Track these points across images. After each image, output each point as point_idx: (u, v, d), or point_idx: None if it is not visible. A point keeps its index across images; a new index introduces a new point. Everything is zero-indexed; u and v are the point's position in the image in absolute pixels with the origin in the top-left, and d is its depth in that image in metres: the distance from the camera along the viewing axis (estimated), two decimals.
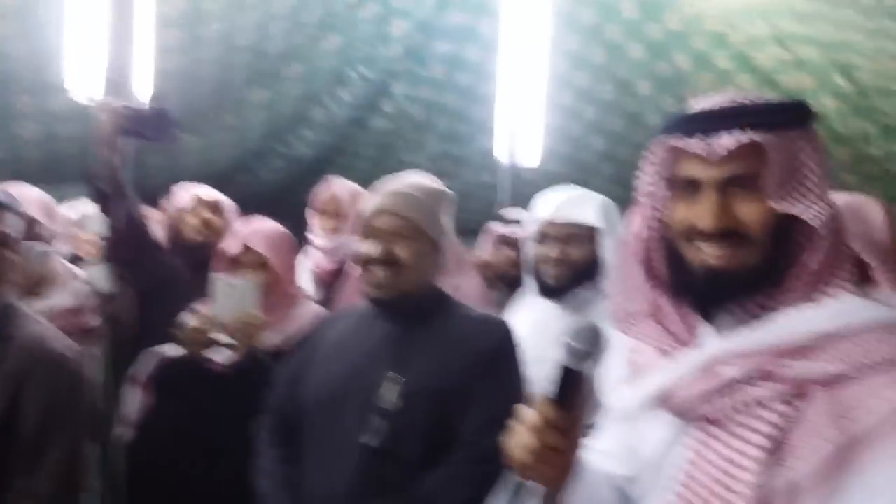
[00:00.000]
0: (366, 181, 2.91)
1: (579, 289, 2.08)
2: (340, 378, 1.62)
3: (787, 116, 0.99)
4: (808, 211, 0.98)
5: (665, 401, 1.04)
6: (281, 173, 5.32)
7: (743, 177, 0.99)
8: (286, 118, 5.06)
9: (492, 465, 1.53)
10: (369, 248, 1.64)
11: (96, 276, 2.62)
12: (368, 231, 1.65)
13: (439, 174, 2.82)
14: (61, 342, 1.71)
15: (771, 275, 1.00)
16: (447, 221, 1.70)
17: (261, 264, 2.26)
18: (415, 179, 1.70)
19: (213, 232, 2.82)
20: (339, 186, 3.01)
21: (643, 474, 1.11)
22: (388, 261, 1.61)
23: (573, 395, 1.01)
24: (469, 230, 3.15)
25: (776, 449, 0.94)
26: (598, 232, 2.06)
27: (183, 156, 4.93)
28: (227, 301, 2.17)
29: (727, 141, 0.98)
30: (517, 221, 3.00)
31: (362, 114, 5.29)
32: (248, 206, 2.90)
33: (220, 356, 2.15)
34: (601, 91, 4.68)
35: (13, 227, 1.67)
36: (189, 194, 2.92)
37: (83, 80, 2.53)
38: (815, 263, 0.99)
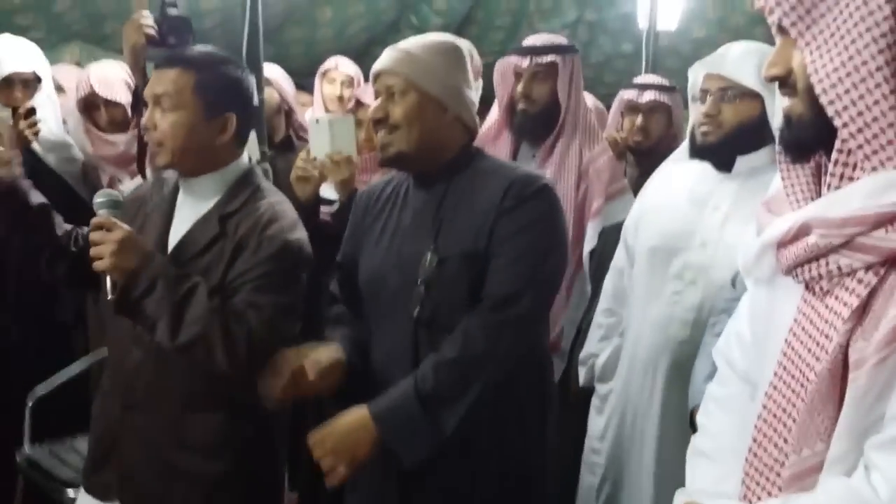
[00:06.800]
0: (499, 52, 2.85)
1: (742, 155, 1.85)
2: (385, 256, 1.63)
3: None
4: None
5: (777, 260, 1.00)
6: None
7: None
8: None
9: (504, 314, 1.52)
10: (370, 110, 1.64)
11: None
12: (375, 94, 1.65)
13: (576, 43, 2.66)
14: None
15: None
16: (460, 79, 1.62)
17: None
18: (422, 38, 1.65)
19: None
20: None
21: (768, 342, 1.08)
22: (383, 120, 1.59)
23: None
24: (610, 104, 3.04)
25: (861, 319, 0.89)
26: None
27: (320, 28, 4.98)
28: (319, 139, 2.24)
29: None
30: (646, 86, 2.85)
31: None
32: None
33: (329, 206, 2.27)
34: None
35: None
36: None
37: None
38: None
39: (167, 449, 1.60)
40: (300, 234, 1.61)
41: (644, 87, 2.82)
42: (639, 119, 2.79)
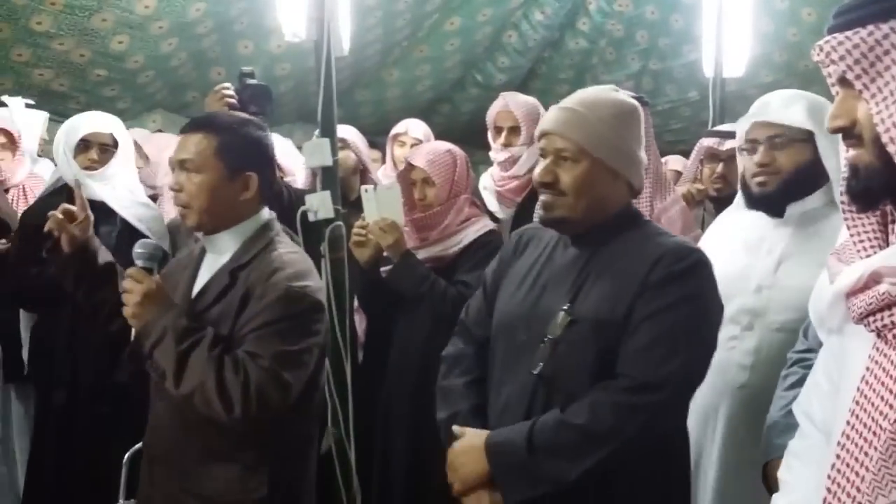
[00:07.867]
0: None
1: (797, 201, 1.84)
2: (521, 305, 1.59)
3: None
4: None
5: (847, 309, 0.99)
6: (479, 102, 5.38)
7: None
8: (480, 44, 5.07)
9: (639, 399, 1.43)
10: (537, 169, 1.57)
11: None
12: (540, 151, 1.58)
13: (641, 93, 2.68)
14: None
15: None
16: (633, 142, 1.55)
17: (424, 180, 2.48)
18: (594, 95, 1.57)
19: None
20: (511, 100, 2.88)
21: (841, 391, 1.05)
22: (551, 184, 1.53)
23: None
24: (676, 151, 3.03)
25: None
26: (814, 135, 1.79)
27: (387, 89, 5.12)
28: (368, 207, 2.42)
29: None
30: (728, 134, 2.82)
31: (558, 34, 5.18)
32: (451, 135, 2.96)
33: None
34: None
35: None
36: None
37: (293, 20, 2.65)
38: None
39: (184, 502, 1.63)
40: (307, 281, 1.63)
41: (725, 135, 2.80)
42: (719, 167, 2.77)
